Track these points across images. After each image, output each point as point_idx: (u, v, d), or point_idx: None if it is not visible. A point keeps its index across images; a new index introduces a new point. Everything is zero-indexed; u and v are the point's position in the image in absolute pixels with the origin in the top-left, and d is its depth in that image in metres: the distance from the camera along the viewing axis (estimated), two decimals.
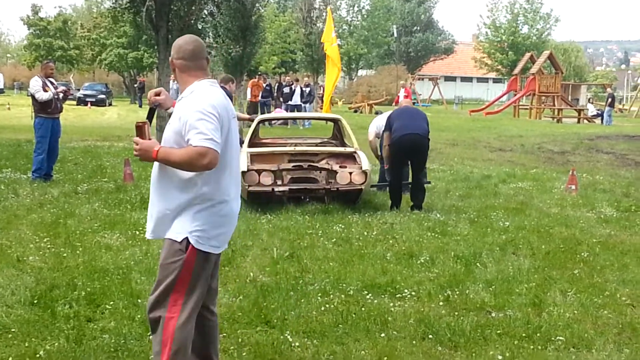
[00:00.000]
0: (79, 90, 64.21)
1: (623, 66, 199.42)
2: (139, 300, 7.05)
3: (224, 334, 6.26)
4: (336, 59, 26.08)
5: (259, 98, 35.94)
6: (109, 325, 6.47)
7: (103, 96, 62.68)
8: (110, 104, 61.88)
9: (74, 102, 56.56)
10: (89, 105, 56.01)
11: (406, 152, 12.62)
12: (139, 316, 6.60)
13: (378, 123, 14.79)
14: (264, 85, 36.68)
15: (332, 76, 26.66)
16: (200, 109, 4.58)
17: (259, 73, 41.68)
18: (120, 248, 9.34)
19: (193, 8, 34.85)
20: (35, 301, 7.01)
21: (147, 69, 77.02)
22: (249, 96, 36.28)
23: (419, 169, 12.90)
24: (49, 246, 9.30)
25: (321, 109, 32.05)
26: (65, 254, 8.90)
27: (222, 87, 13.06)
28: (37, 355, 5.75)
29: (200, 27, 48.85)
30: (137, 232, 10.11)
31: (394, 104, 40.84)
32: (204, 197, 4.70)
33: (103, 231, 10.26)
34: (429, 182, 15.15)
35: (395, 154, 12.68)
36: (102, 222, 10.90)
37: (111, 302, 7.04)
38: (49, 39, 79.05)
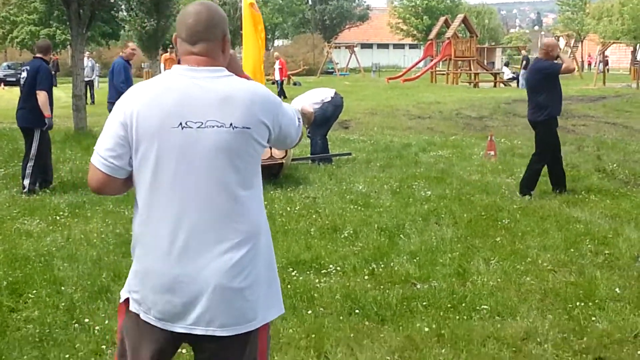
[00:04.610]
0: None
1: (536, 27, 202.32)
2: (63, 288, 6.94)
3: None
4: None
5: None
6: (32, 315, 6.34)
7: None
8: None
9: None
10: (2, 85, 54.89)
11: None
12: (63, 304, 6.49)
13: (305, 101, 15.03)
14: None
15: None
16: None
17: (171, 46, 41.02)
18: (41, 234, 9.13)
19: None
20: None
21: (60, 46, 75.45)
22: (163, 71, 35.76)
23: None
24: None
25: None
26: None
27: (39, 58, 12.35)
28: None
29: (112, 0, 48.29)
30: (58, 217, 9.94)
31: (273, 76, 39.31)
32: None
33: (22, 217, 10.04)
34: (350, 154, 15.23)
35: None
36: (21, 208, 10.65)
37: (34, 291, 6.90)
38: None
